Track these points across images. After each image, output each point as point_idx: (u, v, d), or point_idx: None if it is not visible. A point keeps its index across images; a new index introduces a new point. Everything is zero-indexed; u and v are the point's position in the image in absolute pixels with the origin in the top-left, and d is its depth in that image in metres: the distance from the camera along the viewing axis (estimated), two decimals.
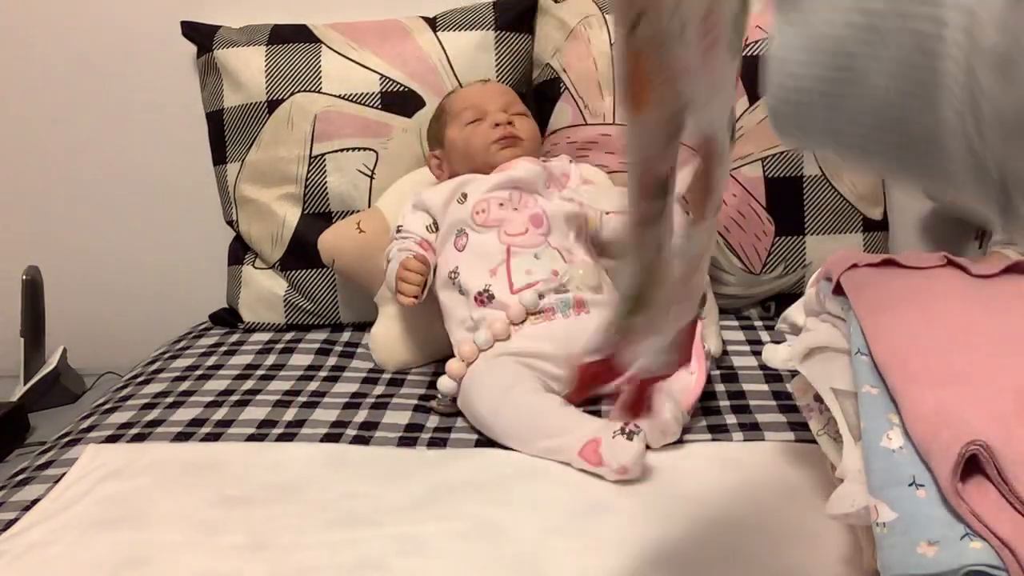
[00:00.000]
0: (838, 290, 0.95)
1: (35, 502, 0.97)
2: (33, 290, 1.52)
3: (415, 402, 1.19)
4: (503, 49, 1.50)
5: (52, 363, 1.54)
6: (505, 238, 1.22)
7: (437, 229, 1.30)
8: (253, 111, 1.50)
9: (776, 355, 0.92)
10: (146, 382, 1.30)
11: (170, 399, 1.23)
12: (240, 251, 1.57)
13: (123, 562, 0.84)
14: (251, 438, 1.10)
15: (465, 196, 1.27)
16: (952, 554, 0.65)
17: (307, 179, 1.48)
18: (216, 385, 1.27)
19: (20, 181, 1.72)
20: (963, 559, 0.65)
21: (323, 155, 1.47)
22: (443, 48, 1.49)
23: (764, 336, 1.36)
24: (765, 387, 1.16)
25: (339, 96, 1.47)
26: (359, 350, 1.41)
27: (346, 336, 1.47)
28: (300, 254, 1.49)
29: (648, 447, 0.97)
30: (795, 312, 1.06)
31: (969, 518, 0.67)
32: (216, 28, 1.56)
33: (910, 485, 0.72)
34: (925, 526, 0.68)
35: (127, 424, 1.16)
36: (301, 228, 1.49)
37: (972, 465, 0.69)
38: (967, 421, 0.73)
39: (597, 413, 1.11)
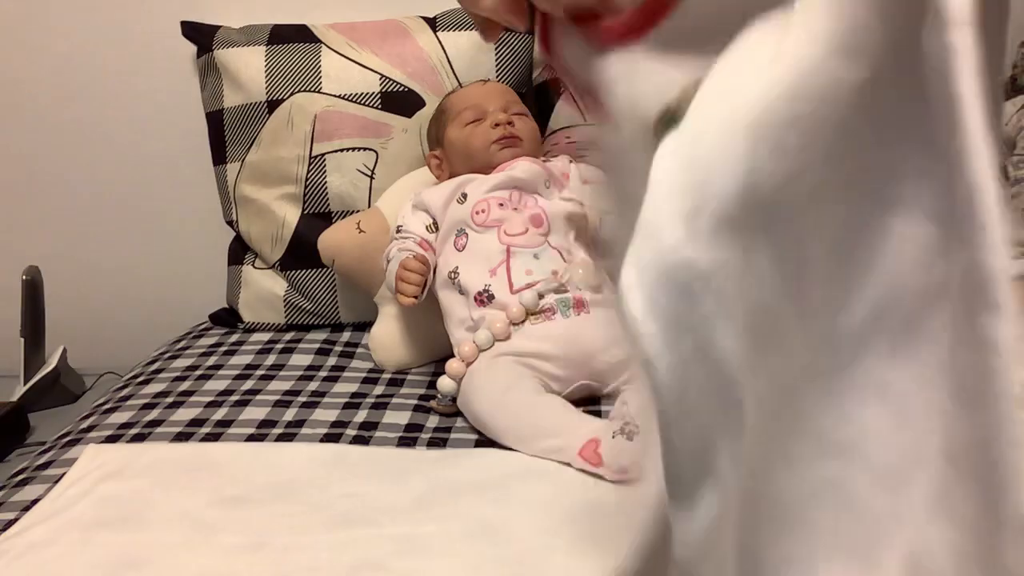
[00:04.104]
0: None
1: (35, 502, 0.97)
2: (33, 290, 1.52)
3: (415, 402, 1.19)
4: (503, 49, 1.50)
5: (52, 363, 1.53)
6: (505, 238, 1.22)
7: (437, 229, 1.30)
8: (253, 111, 1.50)
9: None
10: (146, 382, 1.30)
11: (170, 399, 1.23)
12: (240, 251, 1.57)
13: (123, 562, 0.84)
14: (251, 438, 1.10)
15: (465, 196, 1.27)
16: None
17: (307, 179, 1.48)
18: (216, 385, 1.27)
19: (20, 181, 1.72)
20: None
21: (323, 155, 1.47)
22: (443, 48, 1.49)
23: None
24: None
25: (339, 96, 1.47)
26: (359, 350, 1.41)
27: (346, 336, 1.47)
28: (300, 254, 1.49)
29: None
30: None
31: None
32: (216, 28, 1.56)
33: None
34: None
35: (127, 424, 1.16)
36: (301, 228, 1.49)
37: None
38: None
39: (597, 413, 1.11)
